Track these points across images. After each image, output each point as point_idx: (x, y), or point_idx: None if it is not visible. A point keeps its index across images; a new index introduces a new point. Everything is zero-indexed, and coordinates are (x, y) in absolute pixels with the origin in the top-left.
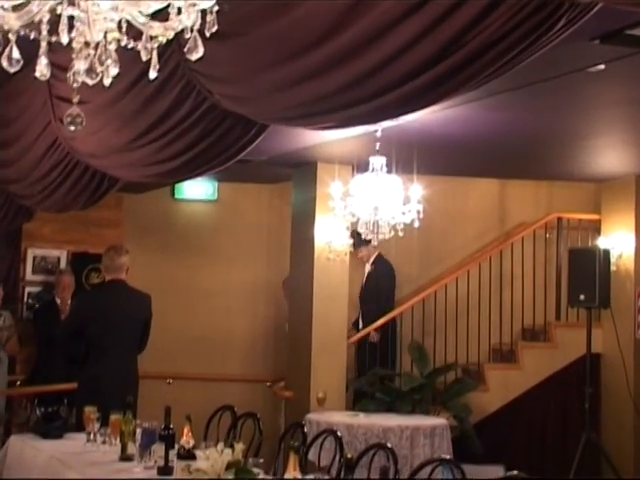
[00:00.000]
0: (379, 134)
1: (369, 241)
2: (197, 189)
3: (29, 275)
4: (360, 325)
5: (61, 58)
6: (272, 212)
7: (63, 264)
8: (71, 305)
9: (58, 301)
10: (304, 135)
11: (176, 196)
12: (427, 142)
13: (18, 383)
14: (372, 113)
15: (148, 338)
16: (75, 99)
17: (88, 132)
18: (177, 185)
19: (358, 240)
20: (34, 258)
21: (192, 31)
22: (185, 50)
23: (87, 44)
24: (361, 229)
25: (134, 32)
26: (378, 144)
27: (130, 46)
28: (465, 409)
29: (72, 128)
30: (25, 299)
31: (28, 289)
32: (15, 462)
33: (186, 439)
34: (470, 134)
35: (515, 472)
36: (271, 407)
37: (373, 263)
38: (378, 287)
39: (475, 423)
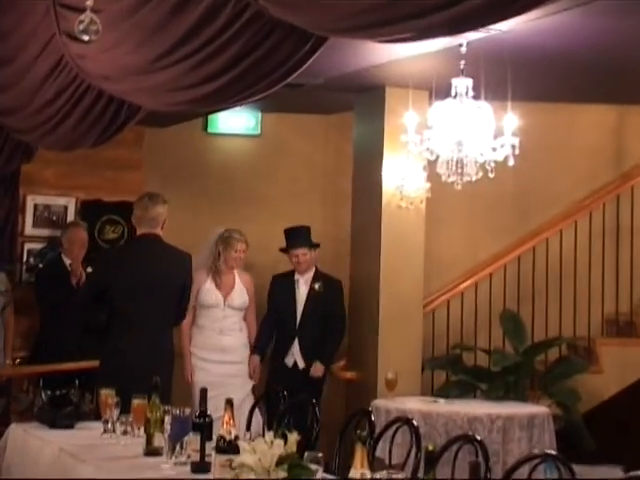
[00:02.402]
0: (464, 49)
1: (317, 245)
2: (236, 121)
3: (29, 229)
4: (296, 360)
5: None
6: (329, 150)
7: (71, 215)
8: (87, 266)
9: (67, 261)
10: (370, 51)
11: (209, 130)
12: (524, 59)
13: (17, 361)
14: (455, 21)
15: (187, 307)
16: (88, 2)
17: (101, 48)
18: (211, 116)
19: (300, 238)
20: (35, 207)
21: None
22: None
23: None
24: (441, 169)
25: None
26: (463, 62)
27: None
28: (572, 395)
29: (85, 37)
30: (24, 258)
31: (28, 246)
32: (17, 455)
33: (227, 428)
34: (577, 48)
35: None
36: (330, 391)
37: (317, 280)
38: (327, 313)
39: (585, 412)
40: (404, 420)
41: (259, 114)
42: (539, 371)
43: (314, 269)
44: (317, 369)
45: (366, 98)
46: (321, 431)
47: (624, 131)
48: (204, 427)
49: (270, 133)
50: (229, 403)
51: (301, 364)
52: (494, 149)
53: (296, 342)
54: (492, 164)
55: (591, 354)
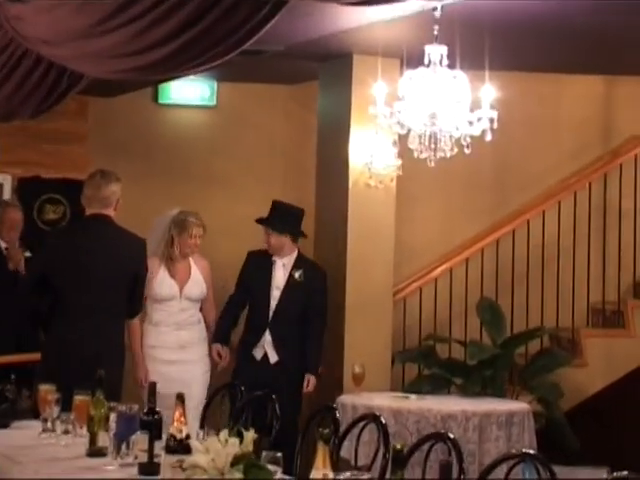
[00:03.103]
0: (438, 14)
1: (297, 233)
2: (189, 91)
3: None
4: (267, 353)
5: None
6: (291, 123)
7: (7, 193)
8: (26, 250)
9: (2, 244)
10: (336, 16)
11: (160, 100)
12: (503, 25)
13: None
14: None
15: (142, 297)
16: None
17: (39, 10)
18: (162, 86)
19: (275, 218)
20: None
21: None
22: None
23: None
24: (413, 144)
25: None
26: (437, 28)
27: None
28: (554, 390)
29: None
30: None
31: None
32: None
33: (177, 426)
34: (563, 11)
35: (625, 473)
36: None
37: (298, 267)
38: (307, 305)
39: (568, 409)
40: (372, 417)
41: (214, 83)
42: (519, 365)
43: (296, 253)
44: (311, 383)
45: (331, 67)
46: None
47: (613, 104)
48: (153, 425)
49: (226, 104)
50: (180, 399)
51: (273, 357)
52: (471, 123)
53: (267, 333)
54: (468, 139)
55: (575, 346)
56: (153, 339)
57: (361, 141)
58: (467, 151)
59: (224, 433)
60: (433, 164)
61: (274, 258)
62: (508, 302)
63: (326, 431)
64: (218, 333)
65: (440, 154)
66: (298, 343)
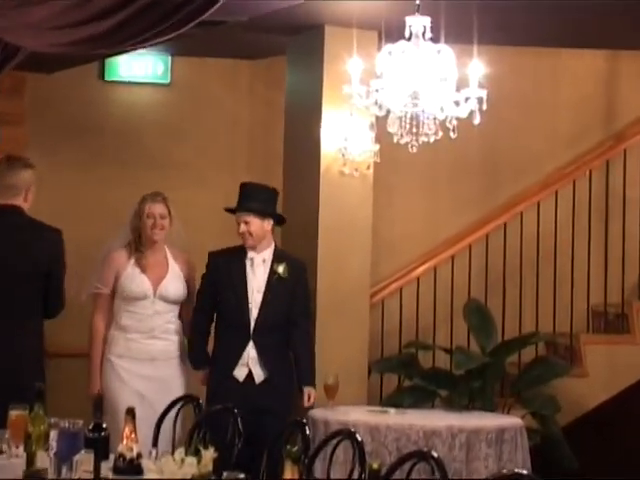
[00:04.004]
0: None
1: (278, 217)
2: (139, 67)
3: None
4: (252, 371)
5: None
6: (256, 103)
7: None
8: None
9: None
10: None
11: (107, 77)
12: None
13: None
14: None
15: (60, 297)
16: None
17: None
18: (109, 61)
19: (254, 200)
20: None
21: None
22: None
23: None
24: (392, 127)
25: None
26: None
27: None
28: (550, 404)
29: None
30: None
31: None
32: None
33: (127, 444)
34: None
35: None
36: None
37: (279, 261)
38: (292, 305)
39: (566, 425)
40: (346, 434)
41: (169, 58)
42: (511, 375)
43: (272, 245)
44: (312, 396)
45: (301, 40)
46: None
47: (616, 81)
48: (99, 443)
49: (182, 82)
50: (130, 413)
51: (259, 376)
52: (457, 103)
53: (251, 346)
54: (454, 122)
55: (574, 354)
56: (121, 347)
57: (334, 124)
58: (453, 135)
59: (180, 452)
60: (415, 150)
61: (250, 255)
62: (499, 304)
63: (295, 449)
64: (200, 357)
65: (423, 139)
66: (285, 353)
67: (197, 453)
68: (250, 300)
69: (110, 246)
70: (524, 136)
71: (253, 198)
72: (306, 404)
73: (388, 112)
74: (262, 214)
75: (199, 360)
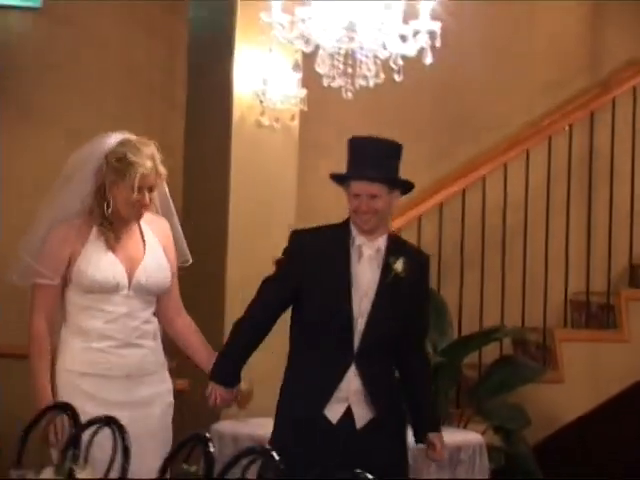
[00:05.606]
0: None
1: (407, 184)
2: None
3: None
4: (353, 411)
5: None
6: (151, 37)
7: None
8: None
9: None
10: None
11: None
12: None
13: None
14: None
15: None
16: None
17: None
18: None
19: (377, 164)
20: None
21: None
22: None
23: None
24: (322, 67)
25: None
26: None
27: None
28: (518, 416)
29: None
30: None
31: None
32: None
33: None
34: None
35: None
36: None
37: (395, 253)
38: (415, 316)
39: (537, 442)
40: (260, 452)
41: None
42: (469, 379)
43: (387, 231)
44: (440, 442)
45: None
46: None
47: (602, 23)
48: None
49: (57, 6)
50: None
51: (363, 417)
52: (404, 38)
53: (353, 373)
54: (400, 62)
55: (548, 354)
56: (80, 361)
57: (250, 62)
58: (398, 78)
59: (49, 471)
60: (351, 95)
61: (359, 241)
62: (455, 293)
63: (193, 469)
64: (233, 366)
65: (360, 82)
66: (396, 385)
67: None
68: (355, 308)
69: (52, 215)
70: (489, 82)
71: (379, 160)
72: (438, 456)
73: (317, 48)
74: (392, 183)
75: (228, 372)
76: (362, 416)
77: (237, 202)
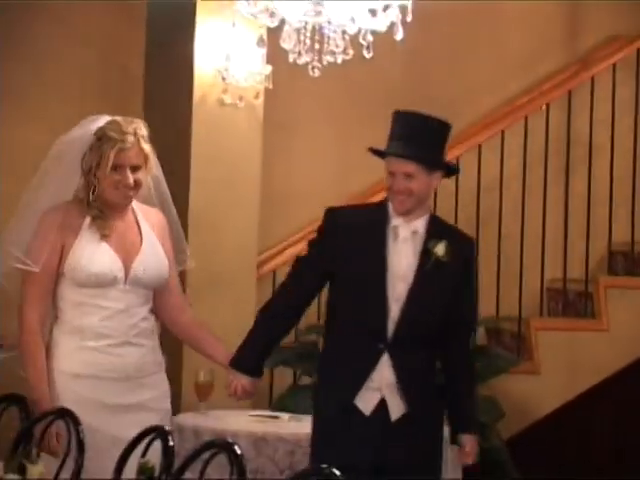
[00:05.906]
0: None
1: (451, 168)
2: None
3: None
4: (387, 402)
5: None
6: (110, 12)
7: None
8: None
9: None
10: None
11: None
12: None
13: None
14: None
15: None
16: None
17: None
18: None
19: (415, 143)
20: None
21: None
22: None
23: None
24: (288, 43)
25: None
26: None
27: None
28: (491, 408)
29: None
30: None
31: None
32: None
33: None
34: None
35: None
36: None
37: (436, 236)
38: (457, 305)
39: (511, 437)
40: (222, 446)
41: None
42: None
43: (428, 212)
44: (472, 445)
45: None
46: None
47: None
48: None
49: None
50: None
51: (397, 409)
52: (373, 13)
53: (386, 362)
54: (370, 37)
55: (522, 343)
56: (75, 362)
57: (211, 37)
58: (368, 55)
59: None
60: (318, 73)
61: (395, 222)
62: None
63: (150, 464)
64: (253, 348)
65: (328, 58)
66: (433, 378)
67: (21, 469)
68: (389, 292)
69: (40, 204)
70: (462, 58)
71: (419, 138)
72: (465, 460)
73: (283, 23)
74: (431, 163)
75: (253, 360)
76: (397, 408)
77: (199, 184)
